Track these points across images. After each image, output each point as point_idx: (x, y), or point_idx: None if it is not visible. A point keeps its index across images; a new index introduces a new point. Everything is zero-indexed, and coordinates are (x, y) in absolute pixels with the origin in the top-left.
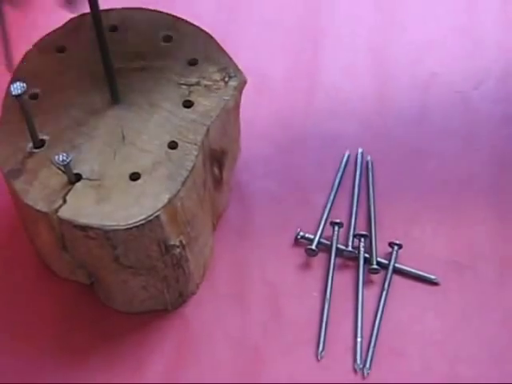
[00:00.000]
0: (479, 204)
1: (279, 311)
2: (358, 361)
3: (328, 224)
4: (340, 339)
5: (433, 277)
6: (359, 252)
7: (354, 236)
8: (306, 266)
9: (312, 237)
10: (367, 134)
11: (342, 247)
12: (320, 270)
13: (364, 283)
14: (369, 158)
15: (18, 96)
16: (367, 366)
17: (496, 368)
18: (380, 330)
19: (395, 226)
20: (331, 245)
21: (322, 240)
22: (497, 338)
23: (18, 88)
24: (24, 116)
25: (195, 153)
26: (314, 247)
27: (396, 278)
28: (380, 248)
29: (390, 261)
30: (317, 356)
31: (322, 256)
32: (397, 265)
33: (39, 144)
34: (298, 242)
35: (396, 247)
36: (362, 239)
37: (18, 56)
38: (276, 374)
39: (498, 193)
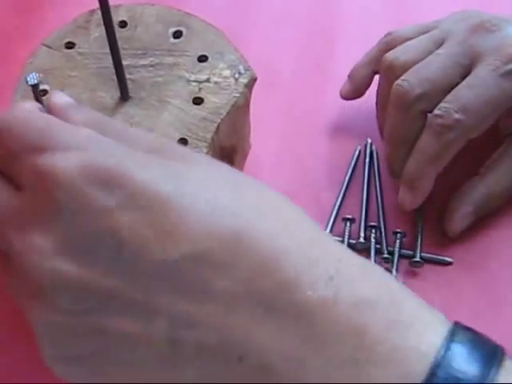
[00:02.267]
0: None
1: None
2: None
3: (338, 220)
4: None
5: (448, 259)
6: (370, 243)
7: (365, 228)
8: None
9: None
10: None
11: (353, 242)
12: None
13: None
14: (374, 147)
15: (34, 86)
16: None
17: None
18: None
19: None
20: (342, 240)
21: (332, 237)
22: (508, 338)
23: (33, 78)
24: None
25: (205, 150)
26: None
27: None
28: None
29: (394, 249)
30: None
31: None
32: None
33: None
34: None
35: (399, 235)
36: (373, 230)
37: (26, 53)
38: None
39: None
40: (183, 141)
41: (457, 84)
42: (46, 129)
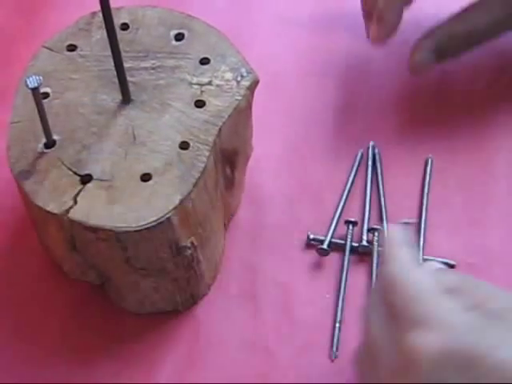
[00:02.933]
0: (494, 203)
1: (291, 312)
2: None
3: (340, 223)
4: (354, 339)
5: (451, 262)
6: (372, 246)
7: (368, 230)
8: (318, 266)
9: (323, 238)
10: (382, 132)
11: (356, 244)
12: (332, 269)
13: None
14: (376, 150)
15: (34, 89)
16: None
17: None
18: None
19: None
20: (345, 243)
21: (334, 240)
22: None
23: (34, 81)
24: (38, 111)
25: (207, 153)
26: (325, 247)
27: None
28: None
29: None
30: (330, 357)
31: (334, 255)
32: None
33: (52, 141)
34: (309, 242)
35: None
36: (376, 233)
37: (28, 55)
38: (289, 375)
39: None
40: (185, 144)
41: None
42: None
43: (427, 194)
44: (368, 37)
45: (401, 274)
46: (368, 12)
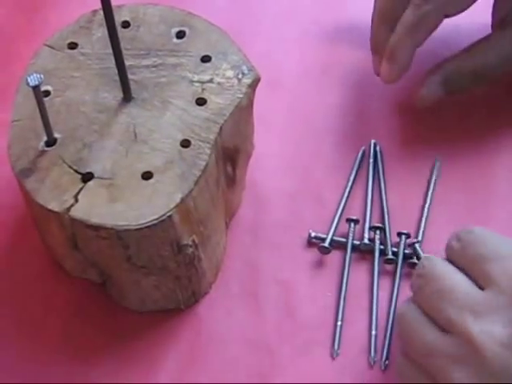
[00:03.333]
0: (494, 200)
1: (293, 310)
2: (373, 354)
3: (341, 221)
4: (356, 337)
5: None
6: (374, 244)
7: (370, 228)
8: (320, 264)
9: (324, 236)
10: (384, 130)
11: (357, 242)
12: (334, 267)
13: (380, 275)
14: (378, 148)
15: (35, 87)
16: (384, 358)
17: None
18: (395, 320)
19: (411, 217)
20: (346, 241)
21: (336, 238)
22: None
23: (35, 79)
24: (39, 109)
25: (208, 151)
26: (327, 245)
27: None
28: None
29: (398, 250)
30: (332, 355)
31: (335, 254)
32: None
33: (53, 139)
34: (311, 240)
35: (403, 236)
36: (377, 231)
37: (29, 53)
38: (290, 374)
39: None
40: (186, 142)
41: None
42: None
43: (431, 193)
44: (376, 73)
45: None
46: (376, 46)
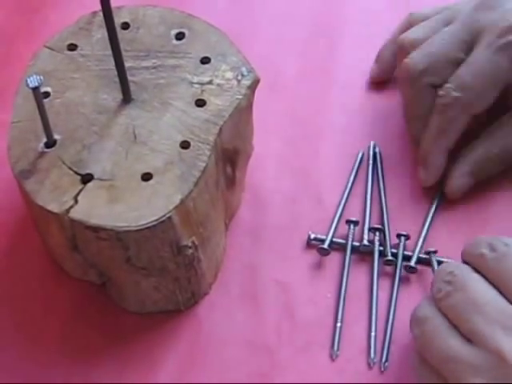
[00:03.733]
0: (495, 200)
1: (292, 311)
2: (372, 355)
3: (341, 223)
4: (355, 338)
5: (450, 261)
6: (374, 245)
7: (369, 230)
8: (319, 265)
9: (324, 237)
10: (382, 131)
11: (357, 244)
12: (333, 269)
13: (379, 276)
14: (377, 149)
15: (35, 89)
16: (383, 360)
17: None
18: (394, 322)
19: (409, 218)
20: (346, 243)
21: (335, 239)
22: None
23: (34, 81)
24: (39, 110)
25: (208, 153)
26: (326, 246)
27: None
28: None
29: (398, 251)
30: (331, 356)
31: (334, 255)
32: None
33: (52, 140)
34: (310, 242)
35: (403, 238)
36: (377, 233)
37: (28, 54)
38: (290, 375)
39: None
40: (185, 143)
41: (462, 60)
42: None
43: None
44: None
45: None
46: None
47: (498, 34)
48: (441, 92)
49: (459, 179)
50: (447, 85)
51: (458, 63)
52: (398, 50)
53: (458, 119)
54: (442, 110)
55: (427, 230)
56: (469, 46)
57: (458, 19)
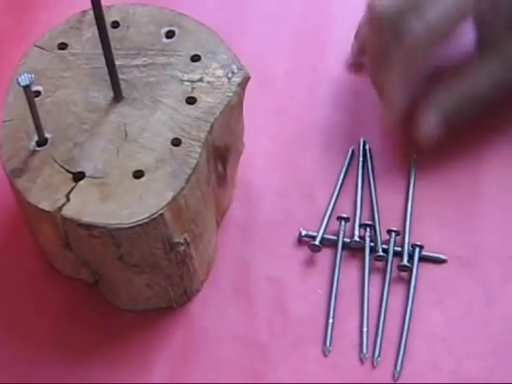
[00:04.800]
0: (484, 197)
1: (284, 307)
2: (364, 350)
3: (332, 219)
4: (347, 334)
5: (442, 257)
6: (365, 241)
7: (360, 226)
8: (311, 262)
9: (315, 234)
10: (372, 128)
11: (348, 240)
12: (324, 265)
13: (370, 272)
14: (367, 146)
15: (26, 87)
16: (376, 355)
17: (503, 365)
18: (386, 317)
19: (400, 214)
20: (337, 239)
21: (326, 235)
22: (502, 333)
23: (25, 79)
24: (30, 109)
25: (199, 150)
26: (317, 243)
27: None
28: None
29: (388, 247)
30: (323, 352)
31: (326, 251)
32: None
33: (44, 138)
34: (301, 238)
35: (393, 234)
36: (368, 229)
37: (18, 53)
38: (282, 372)
39: (504, 188)
40: (177, 140)
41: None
42: None
43: (412, 191)
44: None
45: None
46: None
47: None
48: (404, 33)
49: (430, 129)
50: (411, 24)
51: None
52: (368, 16)
53: (418, 54)
54: (403, 46)
55: (409, 224)
56: None
57: None
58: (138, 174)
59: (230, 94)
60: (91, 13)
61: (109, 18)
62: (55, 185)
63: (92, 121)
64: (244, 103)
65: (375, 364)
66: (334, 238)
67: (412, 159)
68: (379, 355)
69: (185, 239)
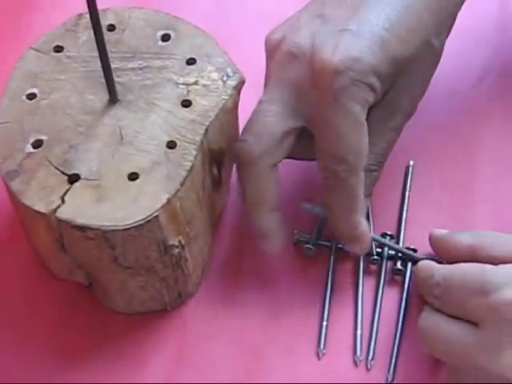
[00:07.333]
0: (478, 203)
1: (278, 310)
2: (358, 353)
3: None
4: (341, 337)
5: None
6: None
7: None
8: (305, 265)
9: (309, 237)
10: None
11: (342, 245)
12: (319, 268)
13: (364, 275)
14: None
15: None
16: (370, 358)
17: None
18: (380, 320)
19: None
20: (331, 243)
21: (321, 239)
22: None
23: None
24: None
25: (194, 153)
26: (311, 246)
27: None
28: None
29: (383, 250)
30: (317, 354)
31: (320, 255)
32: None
33: (40, 140)
34: (296, 242)
35: (388, 237)
36: None
37: (14, 56)
38: (277, 374)
39: (498, 195)
40: (172, 143)
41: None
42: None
43: (408, 193)
44: None
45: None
46: None
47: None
48: (324, 174)
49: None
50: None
51: (294, 133)
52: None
53: (355, 183)
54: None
55: (404, 229)
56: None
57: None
58: (133, 177)
59: (226, 98)
60: (87, 16)
61: (105, 22)
62: (50, 187)
63: (87, 123)
64: (239, 107)
65: (369, 366)
66: (328, 241)
67: (407, 164)
68: (373, 358)
69: (179, 242)
